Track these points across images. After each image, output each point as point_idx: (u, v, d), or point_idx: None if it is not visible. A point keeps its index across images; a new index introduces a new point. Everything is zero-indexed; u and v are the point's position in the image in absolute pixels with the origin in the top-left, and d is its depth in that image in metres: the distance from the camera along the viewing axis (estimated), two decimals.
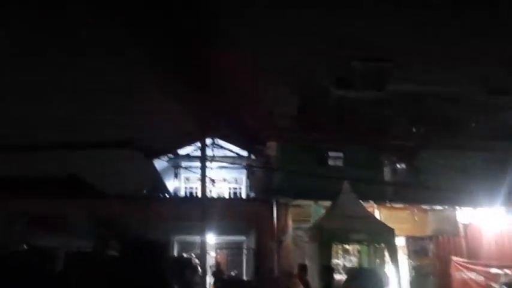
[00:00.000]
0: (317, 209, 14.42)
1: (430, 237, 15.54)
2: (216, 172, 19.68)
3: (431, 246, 15.56)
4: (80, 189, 15.49)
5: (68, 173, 16.51)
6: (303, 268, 10.49)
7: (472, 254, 14.91)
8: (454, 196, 14.95)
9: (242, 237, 18.15)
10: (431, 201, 15.33)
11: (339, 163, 16.73)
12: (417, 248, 15.49)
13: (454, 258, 14.32)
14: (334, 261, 13.66)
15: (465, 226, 15.66)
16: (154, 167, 20.30)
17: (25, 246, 11.00)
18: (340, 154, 16.75)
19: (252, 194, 20.53)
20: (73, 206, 14.46)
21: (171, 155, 20.05)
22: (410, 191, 15.59)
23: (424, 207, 15.49)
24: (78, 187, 15.88)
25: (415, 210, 15.30)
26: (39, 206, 14.11)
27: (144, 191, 20.54)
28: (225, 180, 21.21)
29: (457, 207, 15.62)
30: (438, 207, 15.60)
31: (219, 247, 18.10)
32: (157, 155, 18.95)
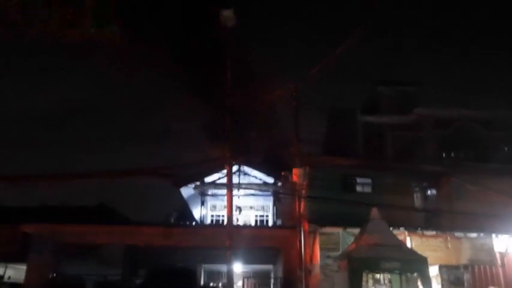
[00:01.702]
0: (346, 237, 14.12)
1: (465, 266, 14.91)
2: (243, 199, 19.64)
3: (466, 276, 14.93)
4: (109, 218, 15.67)
5: (98, 201, 16.78)
6: None
7: (510, 284, 14.24)
8: (490, 223, 14.39)
9: (269, 266, 17.89)
10: (465, 228, 14.79)
11: (367, 189, 16.44)
12: (452, 277, 14.87)
13: None
14: None
15: (502, 255, 14.97)
16: (181, 195, 20.42)
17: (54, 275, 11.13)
18: (369, 180, 16.46)
19: (279, 222, 20.34)
20: (102, 234, 14.63)
21: (197, 183, 20.14)
22: (443, 218, 15.11)
23: (458, 234, 14.92)
24: (107, 215, 16.09)
25: (448, 238, 14.75)
26: (70, 234, 14.33)
27: (172, 219, 20.63)
28: (251, 207, 21.12)
29: (493, 235, 15.01)
30: (473, 235, 15.01)
31: (246, 276, 17.85)
32: (184, 182, 19.07)
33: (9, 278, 15.74)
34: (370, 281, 13.94)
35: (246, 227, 18.53)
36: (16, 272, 16.27)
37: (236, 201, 17.32)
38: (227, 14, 10.10)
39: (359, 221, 12.75)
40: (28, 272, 13.89)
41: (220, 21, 9.90)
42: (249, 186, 19.00)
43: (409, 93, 18.98)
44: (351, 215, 13.54)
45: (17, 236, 14.23)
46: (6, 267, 15.89)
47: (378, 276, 13.79)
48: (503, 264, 14.87)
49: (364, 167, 16.19)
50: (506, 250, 14.98)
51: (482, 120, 17.33)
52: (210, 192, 20.65)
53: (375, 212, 12.13)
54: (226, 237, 12.83)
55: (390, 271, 12.27)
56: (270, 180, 20.83)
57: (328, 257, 14.65)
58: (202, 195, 20.90)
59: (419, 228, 14.91)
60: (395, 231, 13.03)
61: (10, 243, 14.32)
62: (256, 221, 21.57)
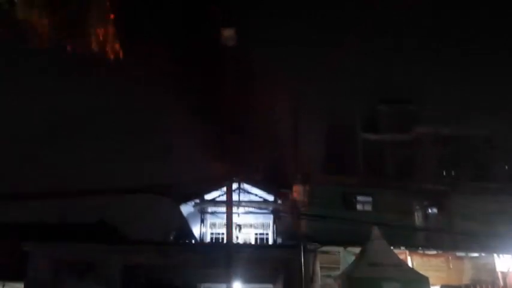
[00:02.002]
0: (346, 256, 14.00)
1: (467, 286, 14.76)
2: (243, 217, 19.51)
3: None
4: (108, 235, 15.57)
5: (97, 218, 16.68)
6: None
7: None
8: (491, 242, 14.29)
9: (269, 286, 17.69)
10: (467, 247, 14.68)
11: (368, 207, 16.37)
12: None
13: None
14: None
15: (504, 274, 14.82)
16: (180, 213, 20.30)
17: None
18: (369, 198, 16.41)
19: (279, 240, 20.17)
20: (101, 252, 14.52)
21: (197, 200, 20.04)
22: (444, 237, 15.00)
23: (459, 254, 14.80)
24: (106, 233, 15.99)
25: (450, 258, 14.63)
26: (68, 251, 14.22)
27: (171, 237, 20.48)
28: (251, 225, 20.96)
29: (494, 254, 14.88)
30: (474, 254, 14.89)
31: None
32: (184, 200, 18.99)
33: None
34: None
35: (245, 245, 18.36)
36: None
37: (236, 219, 17.20)
38: (228, 34, 10.18)
39: (360, 239, 12.67)
40: None
41: (221, 41, 10.00)
42: (248, 204, 18.90)
43: (409, 112, 19.03)
44: (352, 234, 13.46)
45: (15, 254, 14.12)
46: (3, 286, 15.73)
47: None
48: (505, 284, 14.71)
49: (364, 185, 16.16)
50: (509, 270, 14.84)
51: (483, 139, 17.35)
52: (209, 209, 20.53)
53: (375, 231, 12.06)
54: (225, 255, 12.73)
55: None
56: (270, 197, 20.73)
57: (329, 276, 14.52)
58: (202, 213, 20.77)
59: (420, 248, 14.80)
60: (396, 251, 12.92)
61: (8, 260, 14.20)
62: (256, 239, 21.38)
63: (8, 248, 14.05)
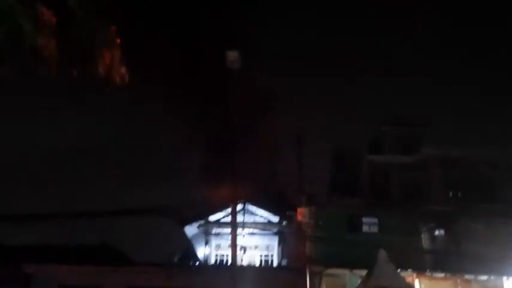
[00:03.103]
0: (352, 279, 13.82)
1: None
2: (247, 239, 19.35)
3: None
4: (111, 257, 15.46)
5: (100, 240, 16.58)
6: None
7: None
8: (500, 265, 14.06)
9: None
10: (475, 270, 14.45)
11: (374, 229, 16.19)
12: None
13: None
14: None
15: None
16: (185, 234, 20.17)
17: None
18: (375, 220, 16.24)
19: (284, 262, 19.96)
20: (104, 274, 14.41)
21: (201, 222, 19.95)
22: (452, 260, 14.78)
23: (468, 277, 14.57)
24: (109, 255, 15.88)
25: (458, 281, 14.40)
26: (71, 274, 14.13)
27: (175, 258, 20.31)
28: (256, 247, 20.78)
29: (503, 277, 14.63)
30: (483, 277, 14.65)
31: None
32: (188, 221, 18.90)
33: None
34: None
35: (250, 267, 18.16)
36: None
37: (240, 241, 17.06)
38: (233, 56, 10.22)
39: (366, 262, 12.52)
40: None
41: (226, 63, 10.05)
42: (253, 225, 18.77)
43: (415, 133, 18.95)
44: (358, 256, 13.32)
45: (18, 276, 14.04)
46: None
47: None
48: None
49: (370, 207, 16.03)
50: None
51: (490, 161, 17.21)
52: (214, 231, 20.41)
53: (382, 254, 11.92)
54: (230, 278, 12.58)
55: None
56: (275, 219, 20.60)
57: None
58: (206, 234, 20.65)
59: (428, 270, 14.60)
60: (403, 273, 12.76)
61: (11, 283, 14.12)
62: (260, 261, 21.18)
63: (11, 270, 13.96)
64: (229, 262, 15.01)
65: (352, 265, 14.01)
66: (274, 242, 21.04)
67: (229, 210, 16.23)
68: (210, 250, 21.08)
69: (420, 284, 14.00)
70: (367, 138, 19.39)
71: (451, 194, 17.50)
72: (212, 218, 20.10)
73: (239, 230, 16.27)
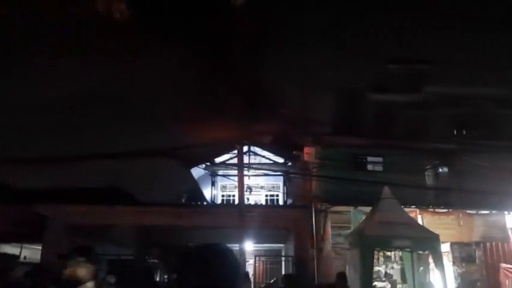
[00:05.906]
0: (357, 215, 14.14)
1: (477, 243, 14.92)
2: (253, 179, 19.67)
3: (478, 253, 14.95)
4: (120, 199, 15.80)
5: (108, 183, 16.84)
6: (341, 276, 10.32)
7: None
8: (502, 200, 14.31)
9: (280, 245, 18.00)
10: (477, 205, 14.73)
11: (378, 168, 16.33)
12: (463, 254, 14.90)
13: (503, 265, 13.74)
14: (376, 268, 13.34)
15: None
16: (191, 176, 20.51)
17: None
18: (380, 159, 16.35)
19: (290, 201, 20.40)
20: (113, 214, 14.77)
21: (208, 163, 20.19)
22: (454, 196, 15.02)
23: (470, 211, 14.88)
24: (118, 197, 16.22)
25: (460, 215, 14.71)
26: (82, 215, 14.48)
27: (183, 200, 20.77)
28: (262, 187, 21.18)
29: (505, 212, 14.94)
30: (485, 212, 14.97)
31: (257, 254, 18.02)
32: (195, 163, 19.13)
33: (24, 258, 16.01)
34: (382, 259, 14.01)
35: (256, 206, 18.61)
36: (31, 252, 16.53)
37: (246, 181, 17.36)
38: None
39: (370, 199, 12.74)
40: (44, 252, 14.10)
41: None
42: (259, 166, 19.01)
43: (420, 72, 18.64)
44: (362, 194, 13.53)
45: (30, 217, 14.36)
46: (21, 248, 16.15)
47: (389, 253, 13.85)
48: None
49: (375, 146, 16.07)
50: None
51: (494, 98, 17.02)
52: (220, 172, 20.71)
53: (386, 190, 12.10)
54: (237, 216, 12.91)
55: (401, 249, 12.31)
56: (280, 160, 20.82)
57: (339, 235, 14.73)
58: (212, 175, 21.00)
59: (430, 206, 14.88)
60: (406, 209, 13.00)
61: (24, 223, 14.48)
62: (266, 200, 21.65)
63: (23, 211, 14.28)
64: (236, 202, 15.32)
65: (356, 202, 14.27)
66: (279, 182, 21.43)
67: (235, 151, 16.39)
68: (217, 191, 21.53)
69: (423, 219, 14.30)
70: (372, 77, 19.11)
71: (455, 131, 17.47)
72: (218, 159, 20.36)
73: (245, 171, 16.50)
